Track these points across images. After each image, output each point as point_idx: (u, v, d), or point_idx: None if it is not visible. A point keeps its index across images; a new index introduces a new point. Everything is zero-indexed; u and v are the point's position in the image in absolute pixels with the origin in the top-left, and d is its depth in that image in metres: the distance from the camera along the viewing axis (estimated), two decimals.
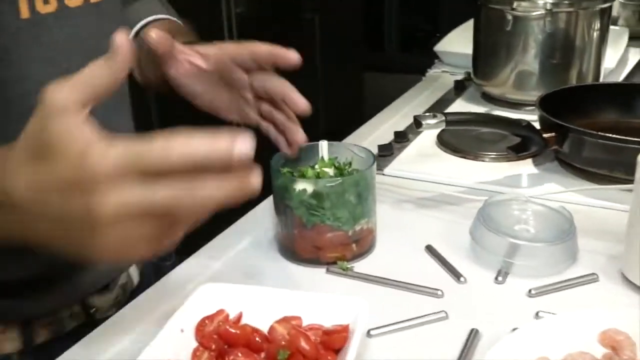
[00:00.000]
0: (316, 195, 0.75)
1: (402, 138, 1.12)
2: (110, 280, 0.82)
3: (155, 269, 0.89)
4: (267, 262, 0.80)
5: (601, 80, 1.25)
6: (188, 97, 0.79)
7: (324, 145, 0.80)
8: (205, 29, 0.99)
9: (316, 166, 0.79)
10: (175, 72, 0.77)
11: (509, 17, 1.17)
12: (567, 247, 0.76)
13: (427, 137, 1.11)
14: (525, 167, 1.00)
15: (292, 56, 0.74)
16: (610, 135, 0.87)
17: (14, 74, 0.64)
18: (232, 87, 0.78)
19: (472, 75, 1.32)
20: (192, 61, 0.77)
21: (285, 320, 0.60)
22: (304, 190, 0.75)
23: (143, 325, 0.68)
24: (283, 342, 0.57)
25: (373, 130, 1.18)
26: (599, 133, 0.88)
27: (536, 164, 1.01)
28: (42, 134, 0.45)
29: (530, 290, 0.72)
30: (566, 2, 1.18)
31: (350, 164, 0.82)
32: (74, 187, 0.44)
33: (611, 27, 1.37)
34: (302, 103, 0.74)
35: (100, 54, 0.48)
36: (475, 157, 1.03)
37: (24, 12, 0.63)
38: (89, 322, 0.76)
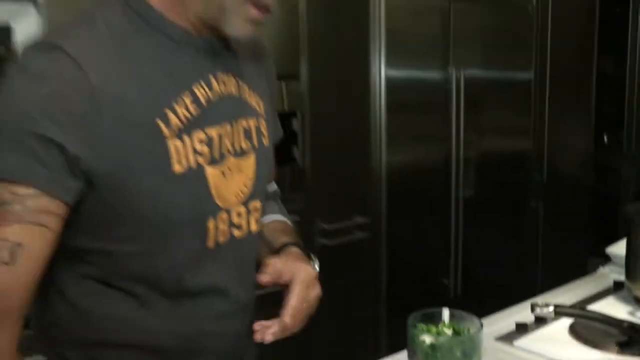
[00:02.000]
0: (432, 346, 1.02)
1: (541, 321, 1.31)
2: None
3: None
4: None
5: None
6: None
7: (445, 312, 1.07)
8: (436, 212, 1.32)
9: (439, 326, 1.06)
10: None
11: None
12: None
13: (563, 324, 1.29)
14: None
15: (267, 335, 0.95)
16: None
17: (189, 287, 0.93)
18: None
19: (625, 278, 1.46)
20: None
21: None
22: (424, 341, 1.03)
23: None
24: None
25: (521, 311, 1.38)
26: None
27: None
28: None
29: None
30: None
31: (468, 329, 1.07)
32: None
33: None
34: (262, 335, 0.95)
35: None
36: (596, 347, 1.19)
37: (210, 244, 0.93)
38: None
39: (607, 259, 1.73)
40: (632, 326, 1.09)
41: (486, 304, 1.42)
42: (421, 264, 2.76)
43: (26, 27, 1.75)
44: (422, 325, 1.07)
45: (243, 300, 1.00)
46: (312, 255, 1.08)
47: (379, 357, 1.18)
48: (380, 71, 2.56)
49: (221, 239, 0.93)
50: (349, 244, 2.41)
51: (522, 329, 1.28)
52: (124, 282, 0.89)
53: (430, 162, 2.80)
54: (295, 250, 1.05)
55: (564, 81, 3.42)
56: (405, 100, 2.67)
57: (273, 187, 1.16)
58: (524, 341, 1.24)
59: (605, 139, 4.24)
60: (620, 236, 1.66)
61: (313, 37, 2.24)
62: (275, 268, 0.99)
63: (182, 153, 0.85)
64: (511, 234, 3.16)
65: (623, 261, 1.62)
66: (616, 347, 1.14)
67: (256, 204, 0.99)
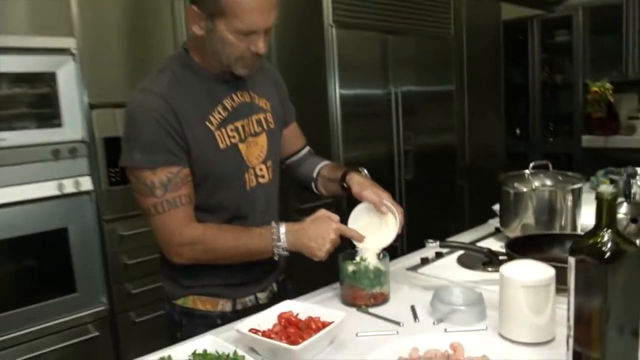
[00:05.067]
0: (353, 271, 1.20)
1: (439, 256, 1.50)
2: (266, 286, 1.34)
3: (284, 287, 1.40)
4: (333, 303, 1.25)
5: (578, 230, 1.50)
6: (354, 195, 1.32)
7: (362, 249, 1.25)
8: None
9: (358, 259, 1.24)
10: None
11: (511, 192, 1.52)
12: (477, 310, 1.09)
13: (452, 257, 1.48)
14: (494, 275, 1.31)
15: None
16: (520, 256, 1.17)
17: (244, 213, 1.26)
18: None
19: (500, 225, 1.64)
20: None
21: (311, 317, 1.05)
22: (348, 268, 1.21)
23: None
24: (305, 323, 1.02)
25: (429, 251, 1.56)
26: (516, 255, 1.19)
27: None
28: (317, 218, 1.21)
29: (445, 329, 1.07)
30: (549, 183, 1.50)
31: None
32: (324, 231, 1.18)
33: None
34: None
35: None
36: (472, 268, 1.38)
37: (249, 186, 1.25)
38: (257, 305, 1.30)
39: (495, 214, 1.91)
40: (490, 251, 1.27)
41: None
42: None
43: (66, 73, 1.93)
44: (347, 260, 1.25)
45: (268, 221, 1.23)
46: (360, 169, 1.46)
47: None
48: (335, 90, 2.73)
49: (252, 184, 1.26)
50: None
51: (424, 261, 1.46)
52: (202, 213, 1.21)
53: (378, 155, 2.97)
54: (356, 175, 1.33)
55: (479, 90, 3.60)
56: (356, 111, 2.85)
57: (307, 148, 1.48)
58: (425, 269, 1.42)
59: (518, 131, 4.44)
60: None
61: (282, 68, 2.41)
62: (374, 198, 1.28)
63: (222, 138, 1.20)
64: (444, 207, 3.32)
65: None
66: (481, 266, 1.32)
67: (271, 162, 1.31)
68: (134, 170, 1.17)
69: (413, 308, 1.18)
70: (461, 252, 1.49)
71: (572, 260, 0.83)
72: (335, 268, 1.24)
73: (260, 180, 1.29)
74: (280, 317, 1.07)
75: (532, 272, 0.99)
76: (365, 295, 1.20)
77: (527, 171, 1.55)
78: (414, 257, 1.51)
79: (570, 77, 4.06)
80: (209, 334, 1.09)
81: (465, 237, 1.68)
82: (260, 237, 1.21)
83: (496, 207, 1.87)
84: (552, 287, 0.98)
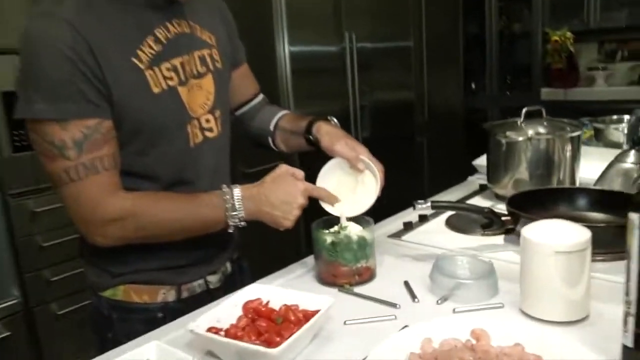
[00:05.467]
0: (332, 243, 1.00)
1: (423, 219, 1.32)
2: (218, 268, 1.13)
3: (239, 266, 1.21)
4: (307, 283, 1.05)
5: (577, 185, 1.37)
6: (324, 149, 1.13)
7: (343, 216, 1.05)
8: None
9: (337, 228, 1.04)
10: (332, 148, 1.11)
11: (503, 142, 1.35)
12: (488, 284, 0.92)
13: (440, 219, 1.31)
14: (496, 240, 1.16)
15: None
16: (532, 216, 1.02)
17: (188, 176, 1.03)
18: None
19: (487, 181, 1.49)
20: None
21: (287, 306, 0.84)
22: (326, 240, 1.00)
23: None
24: (281, 314, 0.81)
25: (410, 214, 1.39)
26: (531, 216, 1.03)
27: (505, 237, 1.16)
28: (278, 176, 1.02)
29: (454, 309, 0.89)
30: (545, 131, 1.35)
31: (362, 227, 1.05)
32: (289, 195, 0.99)
33: (609, 149, 1.48)
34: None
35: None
36: (465, 232, 1.21)
37: (193, 142, 1.02)
38: (207, 290, 1.11)
39: (474, 170, 1.76)
40: (491, 211, 1.11)
41: None
42: None
43: None
44: (323, 230, 1.05)
45: (219, 186, 1.02)
46: (329, 118, 1.28)
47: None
48: (284, 46, 2.52)
49: (197, 140, 1.04)
50: None
51: (408, 226, 1.28)
52: (132, 179, 0.98)
53: (333, 112, 2.77)
54: (325, 125, 1.15)
55: (437, 44, 3.46)
56: (307, 67, 2.64)
57: (261, 96, 1.29)
58: (410, 236, 1.24)
59: (473, 85, 4.35)
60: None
61: None
62: (349, 153, 1.09)
63: (156, 79, 0.96)
64: (403, 164, 3.21)
65: (485, 169, 1.67)
66: (480, 230, 1.16)
67: (219, 112, 1.09)
68: (36, 125, 0.90)
69: (407, 285, 1.00)
70: (449, 213, 1.32)
71: (635, 217, 0.66)
72: (293, 238, 1.03)
73: (208, 134, 1.06)
74: (246, 307, 0.86)
75: (563, 234, 0.82)
76: (348, 271, 1.00)
77: (519, 119, 1.39)
78: (395, 222, 1.33)
79: (528, 25, 3.98)
80: (150, 335, 0.86)
81: (443, 197, 1.52)
82: (210, 205, 0.98)
83: (479, 161, 1.72)
84: (588, 253, 0.82)
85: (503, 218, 1.11)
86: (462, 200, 1.48)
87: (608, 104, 3.52)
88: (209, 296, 1.11)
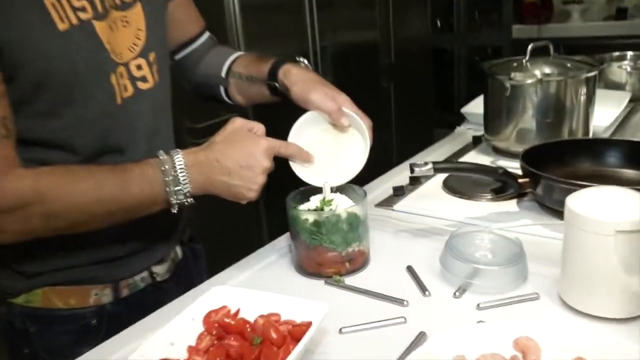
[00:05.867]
0: (315, 223, 0.80)
1: (415, 182, 1.14)
2: (166, 255, 0.93)
3: (192, 250, 1.01)
4: (283, 274, 0.85)
5: (591, 135, 1.21)
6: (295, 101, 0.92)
7: (326, 186, 0.85)
8: None
9: (320, 202, 0.84)
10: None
11: (507, 85, 1.17)
12: (517, 270, 0.76)
13: (435, 181, 1.13)
14: (509, 206, 0.99)
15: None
16: (566, 180, 0.86)
17: (118, 143, 0.80)
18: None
19: (484, 132, 1.32)
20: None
21: (266, 315, 0.65)
22: (307, 220, 0.81)
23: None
24: (258, 332, 0.62)
25: (397, 175, 1.21)
26: (556, 178, 0.87)
27: (518, 203, 1.00)
28: (232, 134, 0.80)
29: (478, 304, 0.72)
30: (557, 72, 1.17)
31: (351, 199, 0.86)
32: (249, 156, 0.77)
33: (615, 91, 1.33)
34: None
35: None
36: (470, 197, 1.04)
37: (120, 96, 0.79)
38: (153, 283, 0.91)
39: (461, 119, 1.59)
40: (506, 172, 0.93)
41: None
42: None
43: None
44: (299, 206, 0.85)
45: (155, 151, 0.79)
46: (298, 58, 1.00)
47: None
48: None
49: (126, 93, 0.81)
50: None
51: (399, 191, 1.10)
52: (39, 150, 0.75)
53: (289, 54, 2.54)
54: (294, 68, 0.94)
55: None
56: (259, 2, 2.37)
57: (207, 34, 1.06)
58: (403, 204, 1.06)
59: (439, 23, 4.15)
60: (459, 105, 1.54)
61: None
62: (328, 104, 0.89)
63: (61, 12, 0.72)
64: (368, 111, 3.03)
65: (477, 119, 1.49)
66: (486, 193, 0.99)
67: (155, 55, 0.85)
68: None
69: (412, 271, 0.82)
70: (444, 175, 1.14)
71: None
72: (251, 210, 0.83)
73: (140, 85, 0.83)
74: (208, 321, 0.66)
75: (624, 208, 0.65)
76: (337, 258, 0.81)
77: (523, 58, 1.21)
78: (381, 187, 1.14)
79: None
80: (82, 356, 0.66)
81: (432, 155, 1.34)
82: (143, 179, 0.75)
83: (468, 109, 1.54)
84: None
85: (520, 180, 0.93)
86: (456, 156, 1.30)
87: (583, 40, 3.41)
88: (157, 291, 0.91)
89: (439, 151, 1.36)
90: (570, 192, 0.86)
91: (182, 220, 0.97)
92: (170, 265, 0.94)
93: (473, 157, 1.29)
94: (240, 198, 0.80)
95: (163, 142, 0.88)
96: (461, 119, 1.60)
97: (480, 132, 1.42)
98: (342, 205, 0.83)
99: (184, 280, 0.97)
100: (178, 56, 1.03)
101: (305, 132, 0.91)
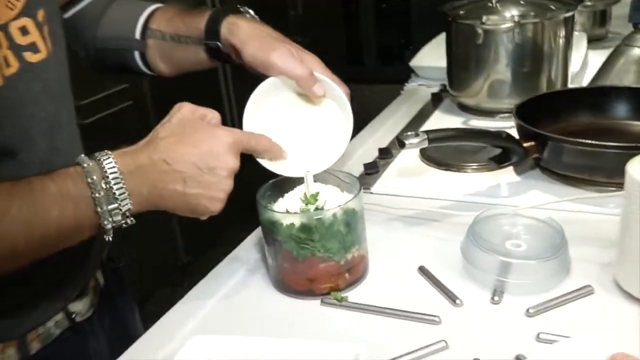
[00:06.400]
0: (304, 228, 0.64)
1: (386, 154, 1.00)
2: (84, 285, 0.73)
3: (114, 272, 0.83)
4: (261, 296, 0.69)
5: (568, 84, 1.13)
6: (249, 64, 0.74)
7: (309, 176, 0.68)
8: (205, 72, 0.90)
9: (302, 199, 0.68)
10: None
11: (480, 31, 1.05)
12: (560, 261, 0.65)
13: (411, 152, 1.00)
14: (507, 176, 0.89)
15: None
16: (589, 141, 0.76)
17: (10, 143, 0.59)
18: None
19: (447, 87, 1.20)
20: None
21: None
22: (292, 225, 0.64)
23: None
24: None
25: (357, 148, 1.06)
26: (578, 140, 0.77)
27: (518, 172, 0.89)
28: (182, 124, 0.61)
29: (528, 310, 0.61)
30: (532, 13, 1.07)
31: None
32: (209, 155, 0.59)
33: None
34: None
35: None
36: (459, 169, 0.92)
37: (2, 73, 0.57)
38: (72, 326, 0.71)
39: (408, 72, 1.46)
40: (509, 137, 0.82)
41: None
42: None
43: None
44: (274, 201, 0.68)
45: (63, 155, 0.64)
46: (243, 8, 0.80)
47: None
48: None
49: (9, 70, 0.59)
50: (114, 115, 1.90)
51: (371, 168, 0.95)
52: None
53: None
54: (241, 21, 0.75)
55: None
56: None
57: None
58: (382, 184, 0.91)
59: None
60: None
61: None
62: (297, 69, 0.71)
63: None
64: None
65: (429, 73, 1.38)
66: (482, 164, 0.87)
67: (44, 14, 0.64)
68: None
69: (426, 274, 0.69)
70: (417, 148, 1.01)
71: None
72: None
73: (29, 57, 0.61)
74: None
75: None
76: (335, 269, 0.66)
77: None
78: (348, 163, 0.99)
79: None
80: None
81: (391, 120, 1.20)
82: (62, 198, 0.55)
83: (417, 61, 1.42)
84: None
85: (525, 145, 0.82)
86: (417, 120, 1.17)
87: None
88: (77, 336, 0.72)
89: (396, 115, 1.22)
90: (592, 154, 0.77)
91: (99, 239, 0.76)
92: (92, 298, 0.74)
93: (439, 118, 1.17)
94: (200, 212, 0.62)
95: (68, 138, 0.67)
96: (403, 71, 1.48)
97: (435, 88, 1.31)
98: (332, 199, 0.67)
99: (109, 314, 0.78)
100: (67, 14, 0.80)
101: (267, 105, 0.73)
